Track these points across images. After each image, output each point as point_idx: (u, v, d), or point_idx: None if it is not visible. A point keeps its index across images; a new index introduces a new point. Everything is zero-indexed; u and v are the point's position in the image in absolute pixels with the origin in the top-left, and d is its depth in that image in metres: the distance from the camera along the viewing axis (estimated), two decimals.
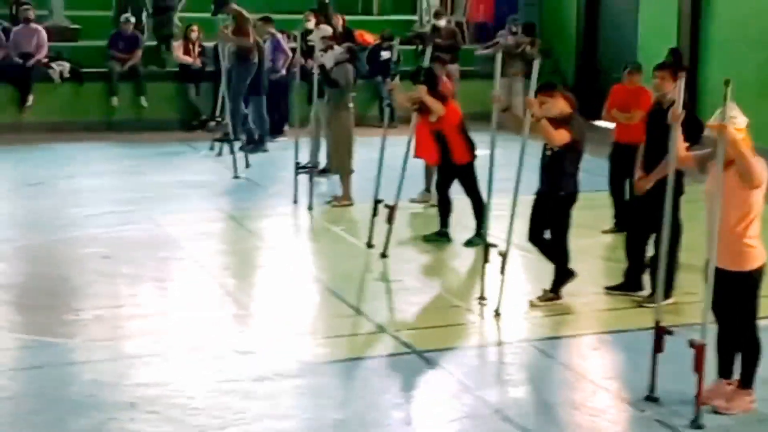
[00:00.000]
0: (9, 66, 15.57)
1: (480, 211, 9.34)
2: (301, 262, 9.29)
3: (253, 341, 7.05)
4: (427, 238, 9.79)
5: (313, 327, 7.56)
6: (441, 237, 9.72)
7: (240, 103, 13.92)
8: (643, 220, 7.90)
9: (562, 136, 7.49)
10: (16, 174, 12.73)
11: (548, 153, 7.64)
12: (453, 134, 9.49)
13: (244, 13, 13.92)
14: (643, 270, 8.04)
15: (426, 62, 9.75)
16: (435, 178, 11.23)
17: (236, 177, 12.58)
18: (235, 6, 13.96)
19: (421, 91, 9.31)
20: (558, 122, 7.50)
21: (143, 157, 14.06)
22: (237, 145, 13.11)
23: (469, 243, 9.53)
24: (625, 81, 10.12)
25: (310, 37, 14.20)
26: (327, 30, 13.89)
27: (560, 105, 7.61)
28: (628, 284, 8.11)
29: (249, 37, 13.76)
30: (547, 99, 7.56)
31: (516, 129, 7.80)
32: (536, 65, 7.47)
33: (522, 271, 8.61)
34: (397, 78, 10.50)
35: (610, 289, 8.19)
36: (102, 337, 7.06)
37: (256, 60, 13.98)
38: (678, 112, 5.99)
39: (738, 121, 5.60)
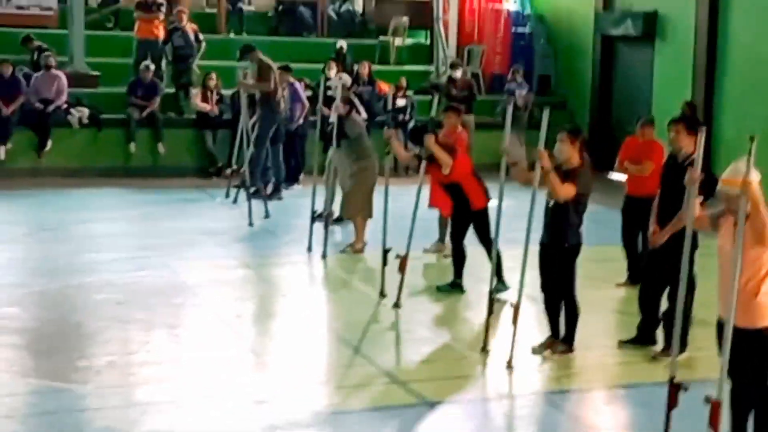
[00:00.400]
0: (29, 111, 15.74)
1: (498, 257, 9.36)
2: (314, 311, 9.31)
3: (265, 390, 7.05)
4: (440, 289, 9.80)
5: (326, 376, 7.55)
6: (454, 288, 9.73)
7: (262, 151, 13.96)
8: (656, 274, 7.88)
9: (567, 191, 7.51)
10: (32, 218, 12.82)
11: (551, 205, 7.64)
12: (468, 181, 9.52)
13: (267, 61, 14.07)
14: (657, 324, 8.02)
15: (433, 112, 9.81)
16: (449, 228, 11.29)
17: (251, 224, 12.63)
18: (259, 54, 14.12)
19: (429, 141, 9.34)
20: (565, 174, 7.52)
21: (159, 204, 14.15)
22: (252, 191, 13.18)
23: (496, 291, 9.51)
24: (638, 134, 10.15)
25: (329, 83, 14.28)
26: (347, 79, 13.99)
27: (572, 154, 7.63)
28: (642, 338, 8.09)
29: (267, 82, 13.90)
30: (566, 141, 7.58)
31: (524, 183, 7.83)
32: (546, 115, 7.48)
33: (534, 323, 8.59)
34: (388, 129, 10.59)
35: (624, 343, 8.16)
36: (115, 383, 7.08)
37: (281, 109, 14.11)
38: (696, 175, 5.96)
39: (752, 177, 5.61)
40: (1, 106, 15.41)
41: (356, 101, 13.23)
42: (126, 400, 6.80)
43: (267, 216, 12.97)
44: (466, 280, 9.75)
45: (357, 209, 11.26)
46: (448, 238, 11.28)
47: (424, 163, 9.41)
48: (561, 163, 7.57)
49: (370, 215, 11.28)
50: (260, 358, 7.86)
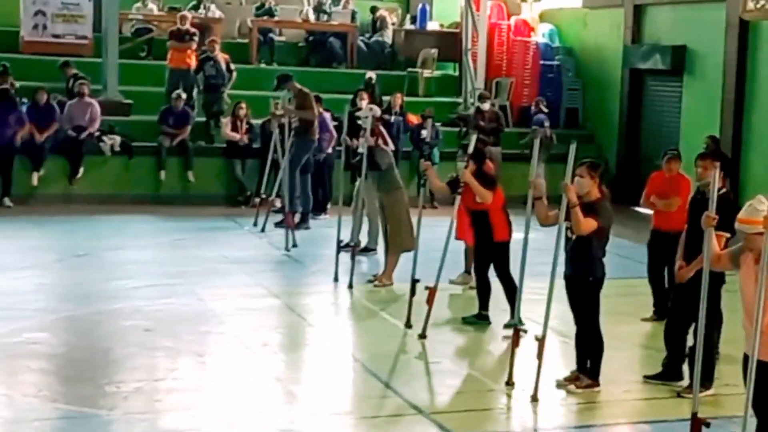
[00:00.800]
0: (62, 138, 15.95)
1: (513, 293, 9.38)
2: (340, 340, 9.35)
3: (290, 419, 7.10)
4: (466, 320, 9.81)
5: (351, 407, 7.59)
6: (480, 319, 9.74)
7: (296, 178, 14.03)
8: (683, 309, 7.86)
9: (589, 225, 7.52)
10: (64, 245, 12.94)
11: (572, 238, 7.65)
12: (495, 212, 9.53)
13: (305, 89, 14.20)
14: (683, 359, 7.98)
15: (469, 141, 9.84)
16: None
17: (287, 251, 12.69)
18: (296, 83, 14.25)
19: (467, 174, 9.38)
20: (586, 207, 7.55)
21: (188, 231, 14.27)
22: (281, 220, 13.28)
23: (509, 326, 9.52)
24: (664, 168, 10.13)
25: (358, 113, 14.33)
26: (377, 111, 14.04)
27: (591, 188, 7.65)
28: (667, 374, 8.06)
29: (309, 110, 14.02)
30: (586, 175, 7.62)
31: (544, 222, 7.86)
32: (572, 149, 7.50)
33: (559, 356, 8.58)
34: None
35: (649, 378, 8.14)
36: (142, 409, 7.14)
37: (316, 137, 14.22)
38: (711, 218, 6.01)
39: None
40: (35, 132, 15.62)
41: (384, 132, 13.31)
42: (152, 427, 6.87)
43: (294, 245, 13.05)
44: (491, 312, 9.76)
45: (400, 244, 11.18)
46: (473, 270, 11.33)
47: (457, 198, 9.43)
48: (581, 196, 7.60)
49: (412, 247, 11.28)
50: (286, 387, 7.90)
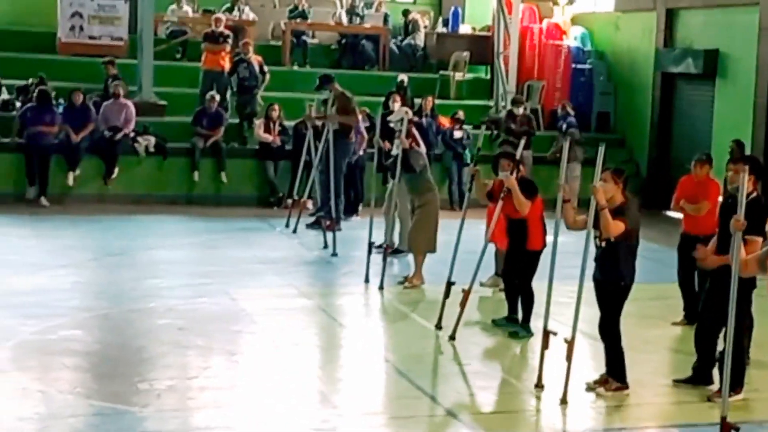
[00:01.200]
0: (98, 139, 16.13)
1: (529, 302, 9.40)
2: (370, 341, 9.42)
3: (321, 418, 7.17)
4: (496, 323, 9.84)
5: (381, 407, 7.65)
6: (510, 322, 9.75)
7: (341, 180, 13.99)
8: (713, 313, 7.85)
9: (617, 228, 7.54)
10: (98, 244, 13.09)
11: (602, 244, 7.66)
12: (534, 223, 9.48)
13: (347, 93, 14.27)
14: (713, 364, 7.97)
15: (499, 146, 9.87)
16: None
17: (334, 254, 12.72)
18: (338, 85, 14.31)
19: (511, 180, 9.34)
20: (612, 212, 7.56)
21: (221, 232, 14.38)
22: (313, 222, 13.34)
23: (514, 334, 9.52)
24: (693, 172, 10.04)
25: (389, 118, 14.37)
26: (403, 112, 14.06)
27: (615, 193, 7.65)
28: (697, 378, 8.05)
29: (352, 115, 14.05)
30: (609, 180, 7.63)
31: (572, 225, 7.89)
32: (601, 151, 7.53)
33: (589, 359, 8.60)
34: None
35: (679, 382, 8.14)
36: (174, 407, 7.24)
37: (353, 140, 14.28)
38: (741, 222, 6.00)
39: None
40: (71, 133, 15.81)
41: (417, 134, 13.32)
42: (184, 424, 6.96)
43: (326, 246, 13.13)
44: (519, 316, 9.75)
45: (424, 244, 11.26)
46: None
47: (500, 203, 9.43)
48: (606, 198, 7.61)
49: (433, 250, 11.33)
50: (317, 387, 7.96)
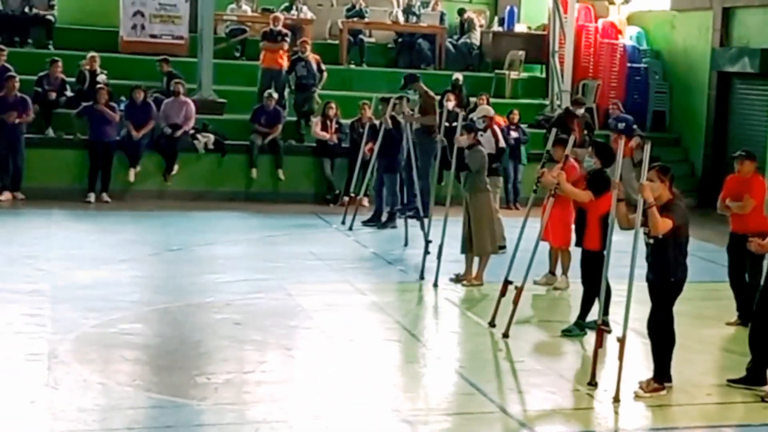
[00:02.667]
0: (158, 136, 16.41)
1: (589, 302, 9.36)
2: (424, 338, 9.51)
3: (374, 414, 7.26)
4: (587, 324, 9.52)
5: (434, 404, 7.71)
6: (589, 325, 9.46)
7: (429, 179, 13.87)
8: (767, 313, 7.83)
9: (665, 225, 7.53)
10: (158, 239, 13.33)
11: (650, 241, 7.64)
12: (593, 220, 9.36)
13: (431, 93, 14.34)
14: None
15: (549, 146, 9.91)
16: (559, 261, 11.32)
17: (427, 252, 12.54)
18: (423, 85, 14.40)
19: (560, 177, 9.35)
20: (660, 209, 7.57)
21: (278, 228, 14.55)
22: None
23: (567, 332, 9.52)
24: (737, 170, 9.85)
25: (472, 115, 14.31)
26: (489, 110, 14.01)
27: (662, 191, 7.65)
28: (751, 378, 8.01)
29: (433, 114, 14.12)
30: (655, 179, 7.63)
31: (625, 225, 7.90)
32: (647, 149, 7.54)
33: (643, 358, 8.59)
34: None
35: (732, 382, 8.11)
36: (231, 400, 7.36)
37: (438, 138, 14.35)
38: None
39: None
40: (132, 130, 16.10)
41: (498, 132, 13.30)
42: (241, 417, 7.08)
43: (406, 244, 13.18)
44: (573, 314, 9.78)
45: (481, 246, 11.26)
46: (558, 271, 11.36)
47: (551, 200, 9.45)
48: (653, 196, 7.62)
49: (495, 250, 11.35)
50: (370, 383, 8.05)
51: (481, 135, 12.40)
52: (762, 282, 8.00)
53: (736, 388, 8.02)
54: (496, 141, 13.07)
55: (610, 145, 9.83)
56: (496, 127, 13.50)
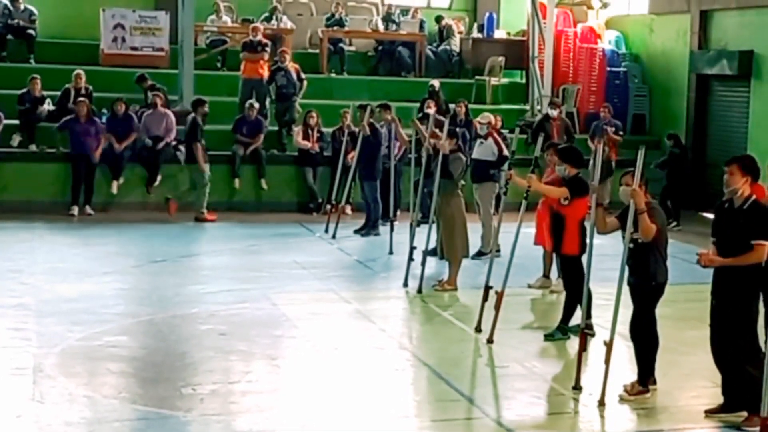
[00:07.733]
0: (140, 148, 16.38)
1: (571, 306, 9.38)
2: (409, 345, 9.53)
3: (359, 422, 7.27)
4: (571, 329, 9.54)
5: (418, 410, 7.74)
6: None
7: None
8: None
9: (653, 230, 7.62)
10: (142, 251, 13.31)
11: (631, 245, 7.66)
12: (572, 225, 9.45)
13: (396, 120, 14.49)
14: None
15: (537, 152, 9.95)
16: (554, 264, 11.34)
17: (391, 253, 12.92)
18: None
19: (531, 179, 9.36)
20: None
21: (261, 237, 14.56)
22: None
23: (549, 336, 9.56)
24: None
25: (477, 120, 14.26)
26: (489, 117, 13.99)
27: (641, 195, 7.70)
28: (727, 404, 7.93)
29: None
30: (631, 183, 7.61)
31: (601, 230, 7.95)
32: (641, 154, 7.55)
33: (627, 361, 8.61)
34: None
35: (710, 413, 8.03)
36: (217, 411, 7.37)
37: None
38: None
39: None
40: (114, 142, 16.07)
41: (499, 139, 13.31)
42: (227, 428, 7.08)
43: (391, 252, 13.21)
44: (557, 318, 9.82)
45: (459, 251, 11.31)
46: (553, 274, 11.37)
47: (540, 202, 9.49)
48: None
49: (466, 254, 11.40)
50: (356, 390, 8.06)
51: (482, 142, 12.43)
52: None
53: (714, 418, 7.58)
54: (499, 149, 13.04)
55: (572, 146, 9.82)
56: (498, 137, 13.42)
